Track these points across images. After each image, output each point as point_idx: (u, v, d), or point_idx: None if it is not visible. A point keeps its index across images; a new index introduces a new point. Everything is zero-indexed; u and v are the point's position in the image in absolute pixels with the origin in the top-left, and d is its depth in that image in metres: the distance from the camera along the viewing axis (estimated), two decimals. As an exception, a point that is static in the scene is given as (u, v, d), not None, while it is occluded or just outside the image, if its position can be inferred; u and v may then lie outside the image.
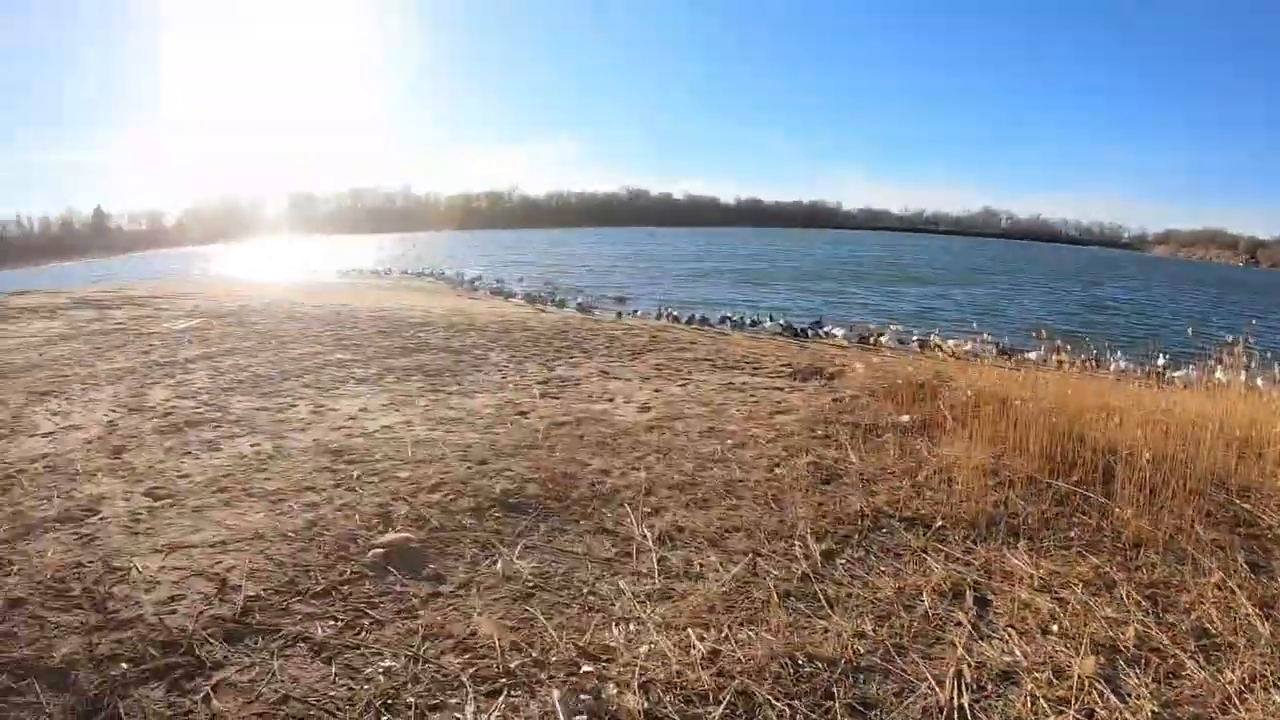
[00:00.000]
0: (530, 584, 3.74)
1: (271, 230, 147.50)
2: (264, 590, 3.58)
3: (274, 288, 23.81)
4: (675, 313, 17.67)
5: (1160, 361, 12.64)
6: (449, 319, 13.74)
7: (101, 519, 4.36)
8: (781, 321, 16.37)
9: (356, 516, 4.43)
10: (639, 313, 18.39)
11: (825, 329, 16.09)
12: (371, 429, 6.34)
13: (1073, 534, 4.30)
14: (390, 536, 4.13)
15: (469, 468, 5.30)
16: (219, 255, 68.91)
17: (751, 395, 8.02)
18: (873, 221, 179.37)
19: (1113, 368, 10.64)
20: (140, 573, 3.73)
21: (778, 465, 5.61)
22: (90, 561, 3.84)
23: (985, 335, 14.20)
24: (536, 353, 10.27)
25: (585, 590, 3.68)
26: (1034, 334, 12.86)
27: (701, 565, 3.96)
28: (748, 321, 16.35)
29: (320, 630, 3.29)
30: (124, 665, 3.00)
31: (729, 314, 17.36)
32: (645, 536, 4.23)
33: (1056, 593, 3.64)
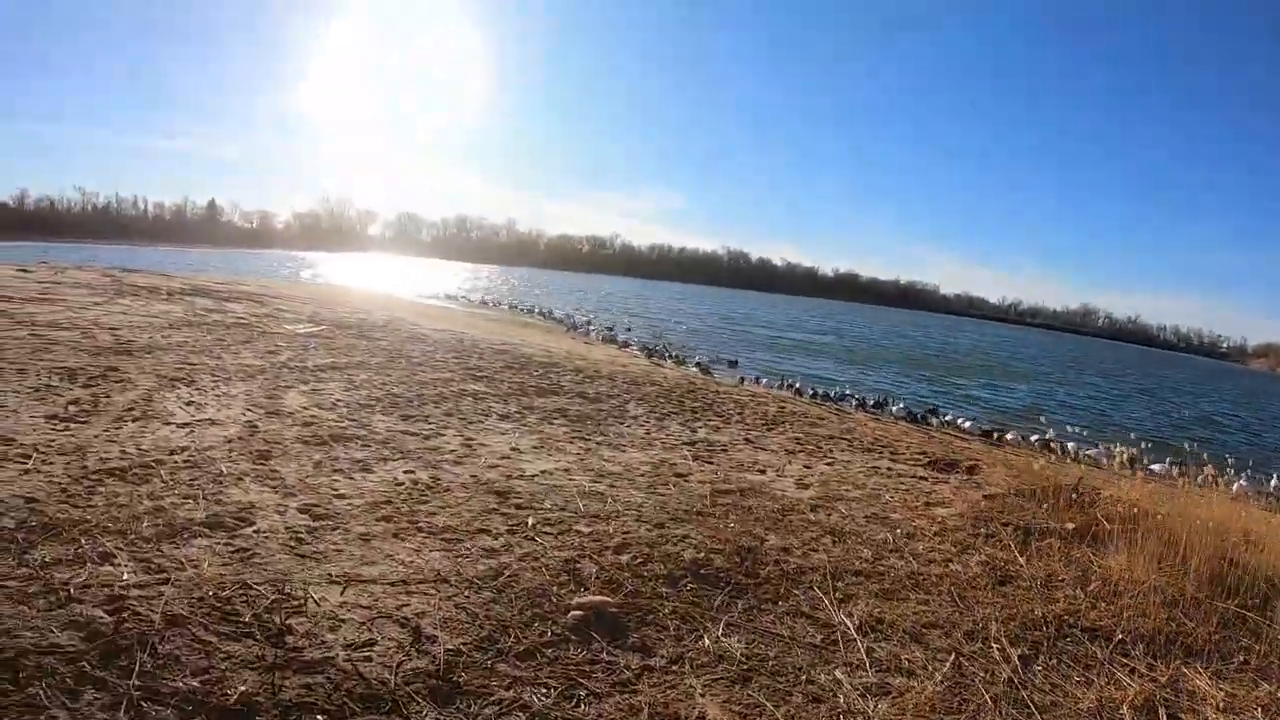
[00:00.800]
0: (745, 665, 3.55)
1: (375, 246, 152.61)
2: (463, 644, 3.36)
3: (387, 304, 24.40)
4: (796, 384, 17.55)
5: (1273, 483, 12.21)
6: (573, 362, 13.87)
7: (257, 532, 4.25)
8: (900, 405, 16.17)
9: (545, 571, 4.28)
10: (759, 380, 18.23)
11: (946, 417, 15.83)
12: (530, 472, 6.27)
13: (1242, 657, 4.25)
14: (587, 598, 3.97)
15: (648, 530, 5.21)
16: (323, 263, 71.01)
17: (899, 482, 7.89)
18: (969, 308, 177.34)
19: (1234, 487, 10.22)
20: (318, 605, 3.51)
21: (951, 561, 5.51)
22: (257, 583, 3.62)
23: (1116, 444, 13.76)
24: (673, 410, 10.22)
25: (803, 678, 3.51)
26: (1145, 442, 12.65)
27: (909, 661, 3.89)
28: (870, 402, 16.17)
29: (535, 699, 3.04)
30: (320, 718, 2.75)
31: (849, 392, 17.19)
32: (846, 625, 4.15)
33: (1238, 714, 3.60)
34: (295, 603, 3.51)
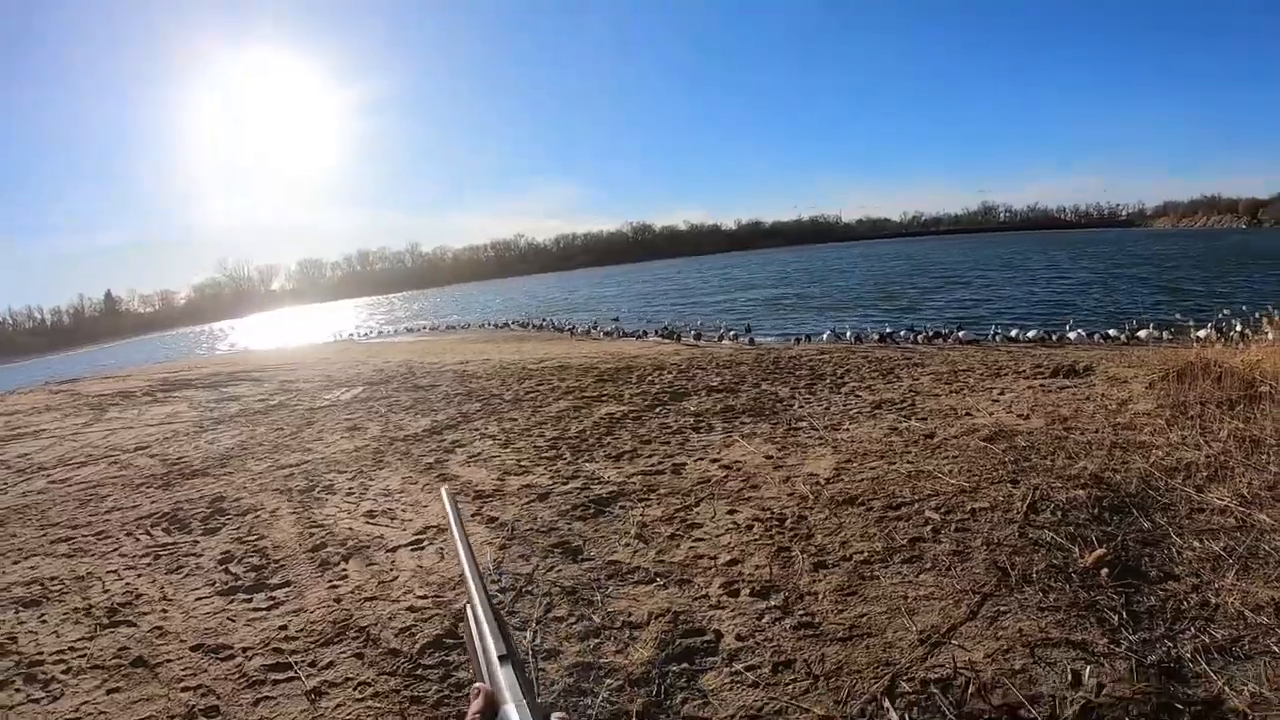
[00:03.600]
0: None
1: (282, 300, 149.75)
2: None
3: (365, 351, 23.72)
4: (846, 334, 17.74)
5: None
6: (657, 361, 13.62)
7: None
8: (962, 331, 16.45)
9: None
10: (798, 340, 18.22)
11: (1010, 333, 16.20)
12: (825, 478, 6.01)
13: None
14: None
15: (997, 487, 5.32)
16: (239, 330, 69.05)
17: (1070, 395, 8.17)
18: (875, 230, 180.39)
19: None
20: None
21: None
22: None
23: (1160, 329, 14.49)
24: (804, 383, 10.25)
25: None
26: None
27: None
28: (928, 334, 16.43)
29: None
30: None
31: (890, 330, 17.46)
32: None
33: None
34: None
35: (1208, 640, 3.26)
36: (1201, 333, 12.50)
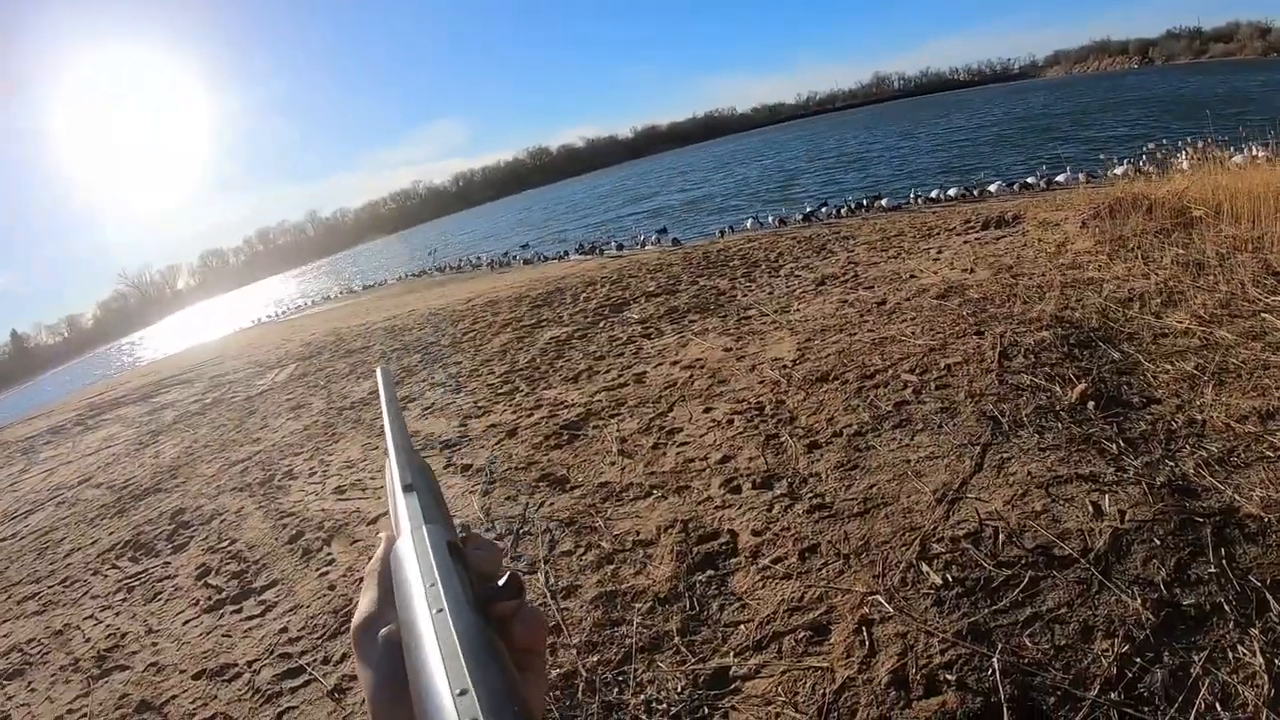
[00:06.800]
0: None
1: (191, 298, 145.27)
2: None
3: (287, 329, 23.15)
4: (770, 218, 17.64)
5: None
6: (586, 278, 13.28)
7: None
8: (883, 200, 16.41)
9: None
10: (721, 233, 18.00)
11: (931, 193, 16.22)
12: (790, 360, 6.11)
13: None
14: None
15: (980, 338, 5.29)
16: (155, 337, 66.78)
17: (1004, 245, 8.25)
18: (772, 117, 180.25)
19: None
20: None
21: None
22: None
23: (1080, 171, 14.76)
24: (740, 274, 10.16)
25: None
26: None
27: None
28: (849, 206, 16.42)
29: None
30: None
31: (810, 209, 17.38)
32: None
33: None
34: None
35: (1205, 455, 3.31)
36: (1118, 170, 12.68)
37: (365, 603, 0.52)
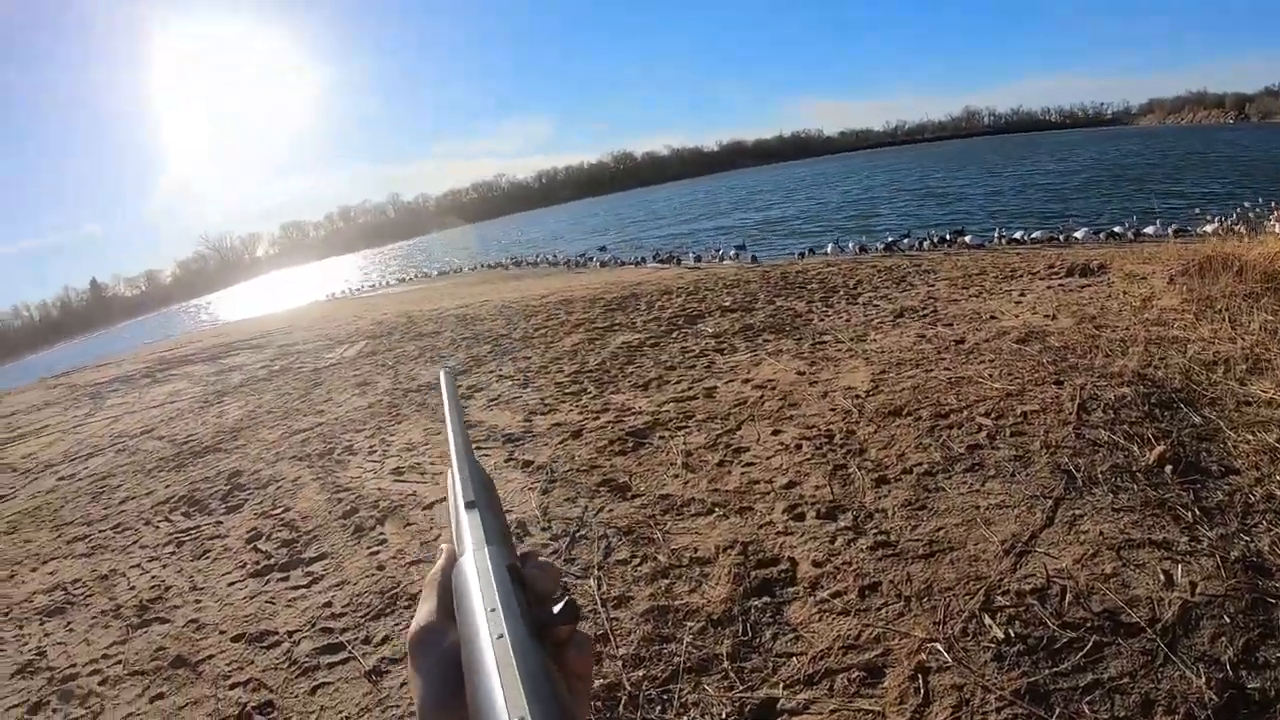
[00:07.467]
0: None
1: (269, 266, 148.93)
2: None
3: (360, 306, 23.52)
4: (851, 245, 17.60)
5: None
6: (662, 286, 13.31)
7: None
8: (969, 236, 16.30)
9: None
10: (801, 255, 18.01)
11: (1015, 234, 16.03)
12: (864, 390, 6.15)
13: None
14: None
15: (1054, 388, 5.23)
16: (229, 300, 68.25)
17: (1090, 294, 8.09)
18: (858, 142, 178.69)
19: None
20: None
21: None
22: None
23: (1170, 224, 14.48)
24: (817, 297, 10.12)
25: None
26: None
27: None
28: (935, 239, 16.31)
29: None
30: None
31: (893, 239, 17.31)
32: None
33: None
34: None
35: (1282, 533, 3.20)
36: (1209, 227, 12.41)
37: (424, 612, 0.57)
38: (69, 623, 4.43)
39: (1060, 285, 8.75)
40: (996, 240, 15.42)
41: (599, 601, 3.46)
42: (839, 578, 3.40)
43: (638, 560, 3.81)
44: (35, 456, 9.37)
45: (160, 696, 3.47)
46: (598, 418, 6.27)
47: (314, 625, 3.79)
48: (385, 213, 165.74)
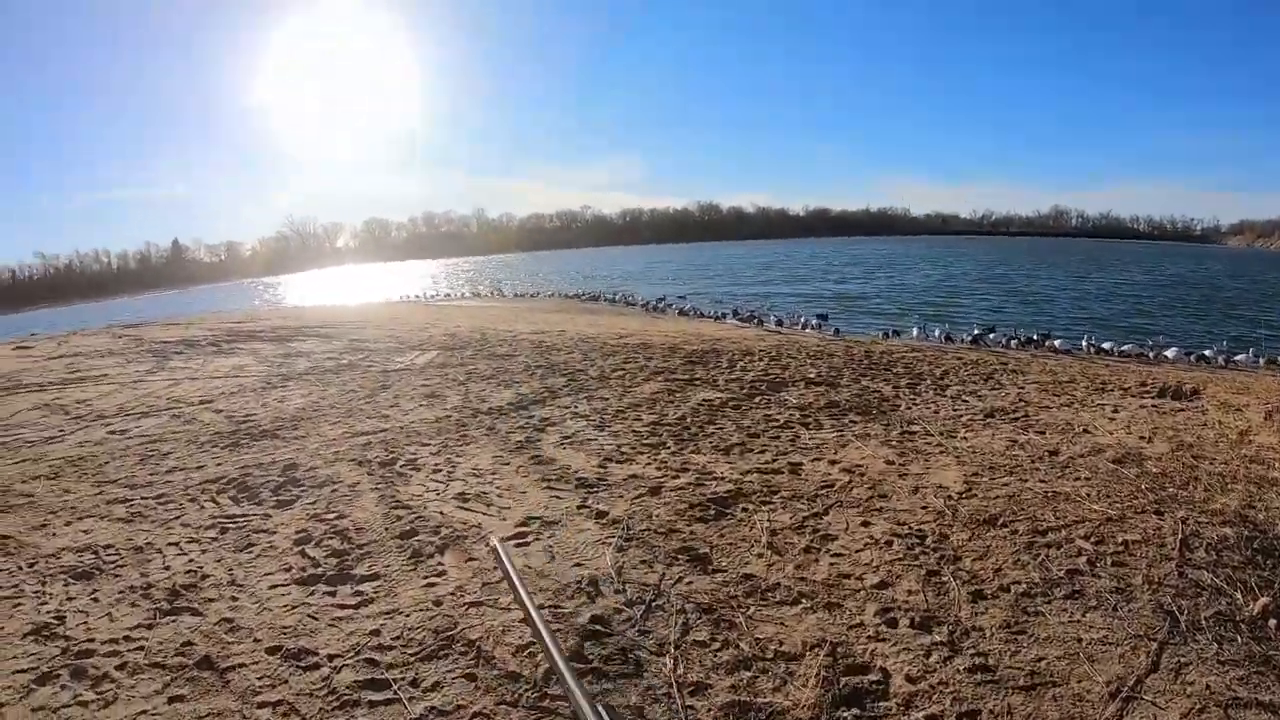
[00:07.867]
0: None
1: (346, 258, 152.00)
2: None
3: (433, 314, 23.57)
4: (936, 333, 17.59)
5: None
6: (743, 346, 13.19)
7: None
8: (1057, 340, 16.24)
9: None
10: (886, 335, 18.05)
11: (1104, 345, 15.93)
12: (956, 491, 6.02)
13: None
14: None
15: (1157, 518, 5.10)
16: (304, 284, 69.34)
17: (1183, 419, 7.98)
18: (942, 227, 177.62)
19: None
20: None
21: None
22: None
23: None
24: (906, 382, 10.02)
25: None
26: None
27: None
28: (1019, 340, 16.24)
29: None
30: None
31: (979, 331, 17.28)
32: None
33: None
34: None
35: (1395, 707, 3.10)
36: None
37: None
38: (94, 590, 4.20)
39: (1154, 406, 8.59)
40: (1085, 348, 15.30)
41: (674, 685, 3.24)
42: (934, 699, 3.21)
43: (718, 645, 3.57)
44: (90, 404, 9.16)
45: (180, 699, 3.20)
46: (677, 477, 6.11)
47: (358, 653, 3.49)
48: (468, 225, 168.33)
